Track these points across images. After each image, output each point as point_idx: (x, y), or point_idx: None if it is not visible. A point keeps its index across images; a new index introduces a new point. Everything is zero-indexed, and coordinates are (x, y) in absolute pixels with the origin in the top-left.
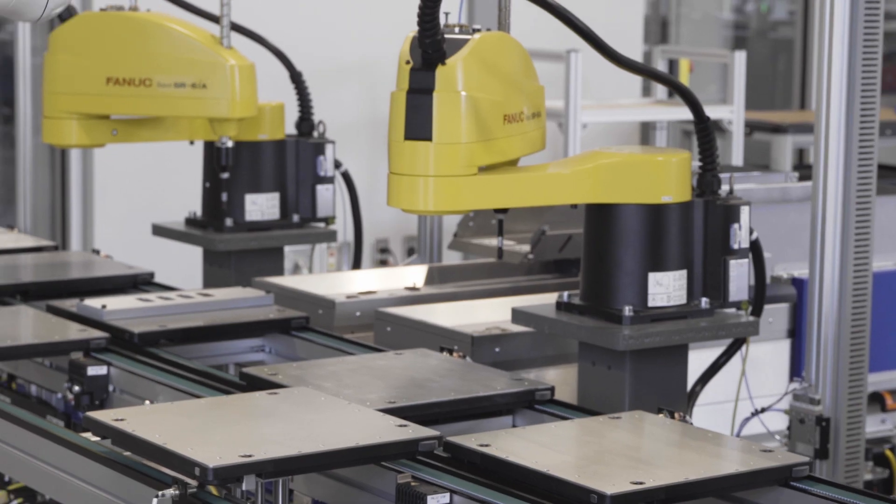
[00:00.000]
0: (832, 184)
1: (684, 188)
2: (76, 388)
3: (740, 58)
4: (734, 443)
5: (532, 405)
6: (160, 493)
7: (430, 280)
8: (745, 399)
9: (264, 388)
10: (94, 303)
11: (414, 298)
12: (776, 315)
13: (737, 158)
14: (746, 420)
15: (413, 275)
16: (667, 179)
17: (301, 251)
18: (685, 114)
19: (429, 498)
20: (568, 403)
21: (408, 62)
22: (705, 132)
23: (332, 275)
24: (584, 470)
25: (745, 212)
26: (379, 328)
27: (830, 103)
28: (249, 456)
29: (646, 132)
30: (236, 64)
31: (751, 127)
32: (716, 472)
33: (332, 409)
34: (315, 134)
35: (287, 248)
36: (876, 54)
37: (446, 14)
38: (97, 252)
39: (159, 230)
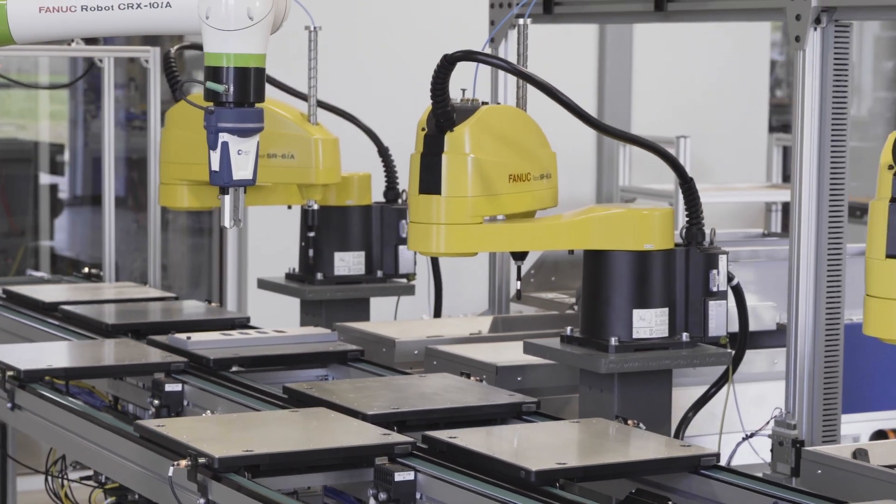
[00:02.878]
0: (804, 247)
1: (666, 238)
2: (156, 402)
3: None
4: (661, 440)
5: (520, 415)
6: (175, 462)
7: (493, 328)
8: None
9: (303, 399)
10: (181, 335)
11: (469, 341)
12: (780, 357)
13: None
14: (738, 444)
15: (480, 323)
16: (650, 230)
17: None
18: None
19: (395, 474)
20: (550, 415)
21: (423, 129)
22: (689, 191)
23: (407, 322)
24: (523, 454)
25: (723, 259)
26: (428, 362)
27: (802, 176)
28: (250, 451)
29: (767, 214)
30: (320, 138)
31: (861, 211)
32: (630, 458)
33: (335, 422)
34: (399, 201)
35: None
36: (844, 132)
37: (463, 90)
38: (209, 302)
39: (263, 284)
